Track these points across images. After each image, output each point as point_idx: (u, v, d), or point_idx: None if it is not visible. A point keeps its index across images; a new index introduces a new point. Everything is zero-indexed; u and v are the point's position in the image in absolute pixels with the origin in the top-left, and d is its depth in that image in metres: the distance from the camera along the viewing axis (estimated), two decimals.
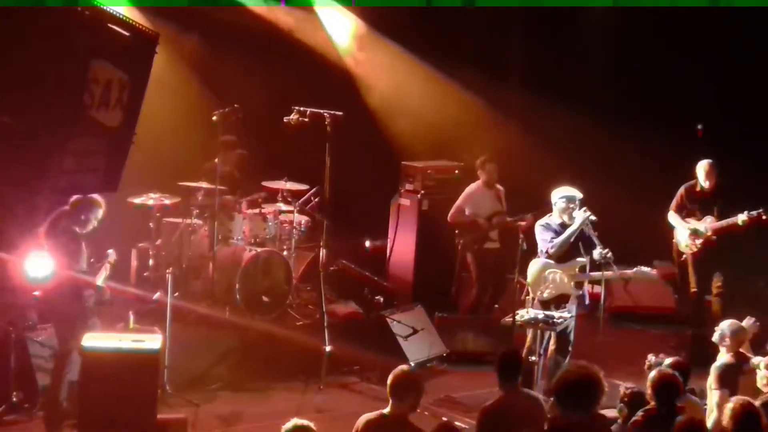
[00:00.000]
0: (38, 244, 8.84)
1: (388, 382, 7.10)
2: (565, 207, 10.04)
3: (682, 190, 11.75)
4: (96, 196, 9.16)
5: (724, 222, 11.43)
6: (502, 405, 7.62)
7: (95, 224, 9.25)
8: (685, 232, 11.59)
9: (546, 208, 10.44)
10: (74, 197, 9.08)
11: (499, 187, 12.15)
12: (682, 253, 11.74)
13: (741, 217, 11.31)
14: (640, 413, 7.24)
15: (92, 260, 9.36)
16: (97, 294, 9.24)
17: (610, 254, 9.82)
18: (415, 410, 7.16)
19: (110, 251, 9.52)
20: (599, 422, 7.03)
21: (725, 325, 8.80)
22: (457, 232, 12.12)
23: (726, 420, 6.71)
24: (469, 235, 12.03)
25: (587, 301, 10.29)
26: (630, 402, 7.46)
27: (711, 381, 8.53)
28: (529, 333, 10.03)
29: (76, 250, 9.09)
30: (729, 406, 6.80)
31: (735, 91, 13.83)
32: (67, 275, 8.90)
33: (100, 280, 9.20)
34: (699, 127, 13.73)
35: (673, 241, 11.82)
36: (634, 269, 10.14)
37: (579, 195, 10.09)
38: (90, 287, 9.09)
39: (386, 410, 7.07)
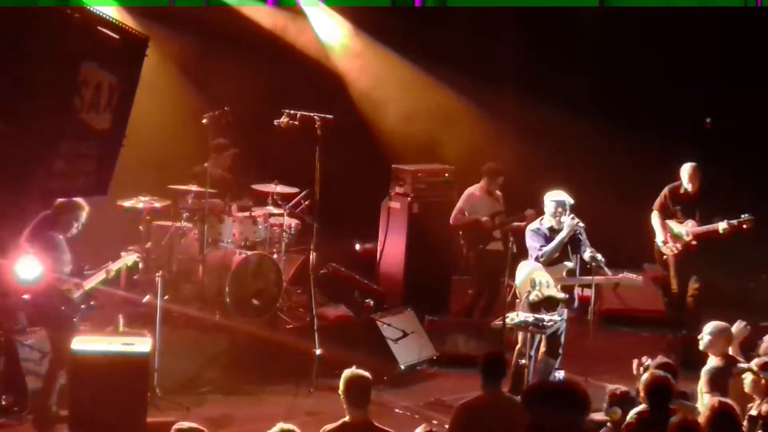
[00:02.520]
0: (25, 247, 8.82)
1: (342, 388, 6.96)
2: (555, 211, 10.06)
3: (666, 190, 11.81)
4: (78, 199, 9.11)
5: (705, 228, 11.49)
6: (481, 404, 7.63)
7: (78, 227, 9.20)
8: (666, 235, 11.65)
9: (540, 208, 10.47)
10: (57, 201, 9.04)
11: (497, 192, 12.19)
12: (663, 254, 11.81)
13: (722, 225, 11.35)
14: (633, 416, 7.24)
15: (86, 267, 9.31)
16: (72, 303, 9.08)
17: (602, 259, 9.84)
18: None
19: (124, 254, 9.46)
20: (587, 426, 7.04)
21: (708, 328, 8.80)
22: (461, 233, 12.13)
23: (702, 421, 6.72)
24: (474, 234, 12.03)
25: (576, 305, 10.30)
26: (622, 403, 7.45)
27: (701, 385, 8.54)
28: (520, 336, 10.04)
29: (58, 254, 9.04)
30: (707, 406, 6.85)
31: (726, 96, 13.84)
32: (53, 279, 8.86)
33: (89, 285, 9.16)
34: (708, 120, 13.69)
35: (655, 241, 11.87)
36: (620, 275, 10.16)
37: (570, 200, 10.09)
38: (60, 296, 8.95)
39: (347, 418, 6.95)
